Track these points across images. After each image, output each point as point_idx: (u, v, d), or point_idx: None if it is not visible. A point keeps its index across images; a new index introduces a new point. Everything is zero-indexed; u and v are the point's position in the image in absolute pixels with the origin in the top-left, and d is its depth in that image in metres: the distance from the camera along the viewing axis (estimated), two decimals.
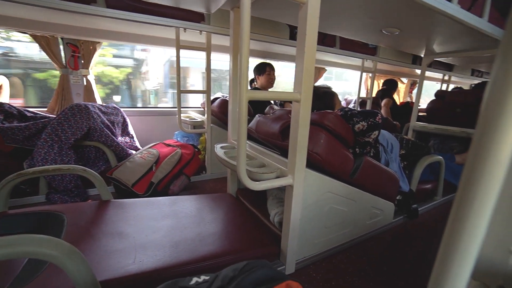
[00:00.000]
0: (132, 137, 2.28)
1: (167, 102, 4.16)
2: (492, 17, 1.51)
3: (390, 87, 3.49)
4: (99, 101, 2.39)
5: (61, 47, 2.15)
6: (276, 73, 2.44)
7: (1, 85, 2.01)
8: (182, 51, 1.92)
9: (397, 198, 1.66)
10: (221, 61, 3.95)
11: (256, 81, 2.53)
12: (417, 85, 4.43)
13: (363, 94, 3.37)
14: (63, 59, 2.17)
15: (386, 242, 1.47)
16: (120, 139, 2.12)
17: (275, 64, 2.55)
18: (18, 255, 0.60)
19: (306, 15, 0.83)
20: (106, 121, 1.95)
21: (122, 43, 2.35)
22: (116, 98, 3.47)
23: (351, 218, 1.34)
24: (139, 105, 3.82)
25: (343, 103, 3.72)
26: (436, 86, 5.15)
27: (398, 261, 1.31)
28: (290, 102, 2.28)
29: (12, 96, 2.16)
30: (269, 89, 2.41)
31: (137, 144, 2.30)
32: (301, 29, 0.86)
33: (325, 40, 2.22)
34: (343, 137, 1.16)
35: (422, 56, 2.51)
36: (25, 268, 0.89)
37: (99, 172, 1.92)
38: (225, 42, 2.10)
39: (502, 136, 0.27)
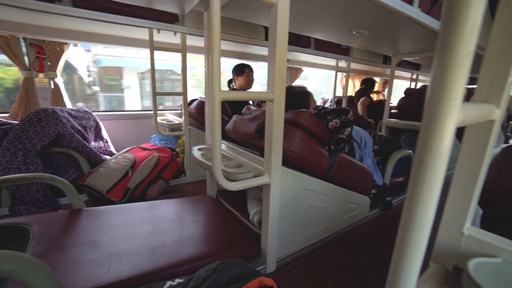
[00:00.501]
0: (106, 142, 2.18)
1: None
2: None
3: (368, 86, 3.65)
4: (69, 105, 2.27)
5: (24, 48, 2.01)
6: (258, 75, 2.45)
7: None
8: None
9: (372, 192, 1.73)
10: (167, 61, 3.80)
11: (234, 82, 2.53)
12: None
13: (339, 93, 3.48)
14: (26, 61, 2.03)
15: (363, 235, 1.52)
16: (93, 144, 2.03)
17: (254, 65, 2.56)
18: None
19: (276, 16, 0.85)
20: (77, 126, 1.85)
21: (92, 44, 2.25)
22: None
23: (329, 214, 1.38)
24: None
25: (320, 102, 3.82)
26: (407, 85, 5.43)
27: (374, 252, 1.36)
28: None
29: None
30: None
31: (112, 149, 2.21)
32: (272, 29, 0.87)
33: (300, 41, 2.26)
34: (318, 135, 1.20)
35: (391, 56, 2.64)
36: None
37: (70, 179, 1.82)
38: (202, 43, 2.08)
39: (442, 126, 0.29)
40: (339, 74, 3.08)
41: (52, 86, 2.15)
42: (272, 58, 0.89)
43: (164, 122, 2.41)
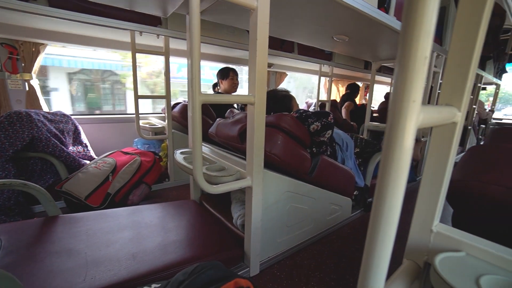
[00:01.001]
0: (86, 146, 2.11)
1: None
2: None
3: (353, 90, 3.80)
4: (45, 109, 2.18)
5: None
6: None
7: None
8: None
9: (354, 193, 1.77)
10: (106, 61, 3.60)
11: (219, 86, 2.52)
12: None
13: (322, 97, 3.57)
14: None
15: (345, 235, 1.55)
16: (71, 148, 1.96)
17: (244, 69, 2.58)
18: None
19: (257, 20, 0.86)
20: (54, 130, 1.78)
21: (71, 46, 2.17)
22: None
23: (312, 216, 1.40)
24: None
25: (304, 106, 3.89)
26: (388, 89, 5.63)
27: (357, 252, 1.39)
28: None
29: None
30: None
31: (92, 153, 2.13)
32: (253, 33, 0.88)
33: (284, 46, 2.30)
34: (300, 138, 1.22)
35: (372, 62, 2.74)
36: None
37: (46, 186, 1.74)
38: (186, 47, 2.07)
39: (404, 127, 0.31)
40: (323, 78, 3.16)
41: (27, 88, 2.06)
42: (253, 62, 0.90)
43: (147, 125, 2.37)
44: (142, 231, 1.21)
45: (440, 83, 2.35)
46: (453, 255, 0.47)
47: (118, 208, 1.44)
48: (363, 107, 3.89)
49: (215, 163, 1.22)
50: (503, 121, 5.09)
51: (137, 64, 1.88)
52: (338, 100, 4.06)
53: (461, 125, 0.49)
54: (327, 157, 1.39)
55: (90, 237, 1.12)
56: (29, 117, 1.61)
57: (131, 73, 1.87)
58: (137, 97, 1.94)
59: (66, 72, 3.63)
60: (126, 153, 1.97)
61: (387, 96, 2.95)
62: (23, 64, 1.99)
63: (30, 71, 2.01)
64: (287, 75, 3.58)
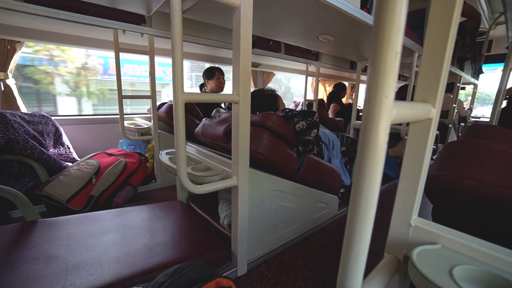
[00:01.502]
0: (68, 148, 2.04)
1: None
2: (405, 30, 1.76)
3: (338, 89, 3.90)
4: (23, 109, 2.09)
5: None
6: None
7: None
8: None
9: (341, 191, 1.80)
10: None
11: (206, 86, 2.51)
12: None
13: (310, 96, 3.61)
14: None
15: (332, 233, 1.58)
16: (52, 150, 1.88)
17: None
18: None
19: (240, 19, 0.86)
20: (32, 131, 1.71)
21: (49, 44, 2.10)
22: None
23: (299, 214, 1.41)
24: None
25: (292, 106, 3.93)
26: None
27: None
28: None
29: None
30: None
31: (75, 155, 2.06)
32: (236, 32, 0.88)
33: (270, 46, 2.31)
34: (285, 137, 1.22)
35: (357, 61, 2.79)
36: None
37: (25, 189, 1.67)
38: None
39: (378, 122, 0.31)
40: (310, 78, 3.19)
41: (3, 88, 1.96)
42: (237, 61, 0.89)
43: (132, 126, 2.31)
44: (126, 234, 1.18)
45: None
46: (429, 247, 0.48)
47: (102, 211, 1.40)
48: (350, 106, 3.98)
49: (201, 163, 1.21)
50: (481, 119, 5.34)
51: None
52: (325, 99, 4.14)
53: (436, 121, 0.51)
54: (314, 156, 1.41)
55: (71, 241, 1.08)
56: (4, 118, 1.54)
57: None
58: (121, 97, 1.90)
59: None
60: (111, 155, 1.92)
61: None
62: None
63: (5, 70, 1.92)
64: (274, 75, 3.59)
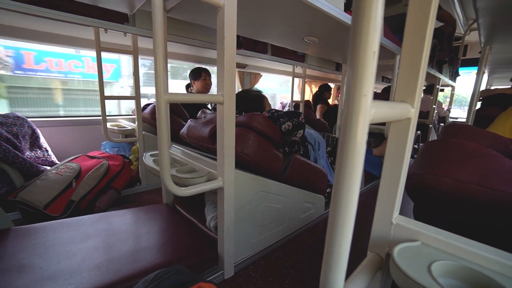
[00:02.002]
0: (46, 151, 1.95)
1: None
2: (386, 33, 1.81)
3: (322, 90, 3.98)
4: None
5: None
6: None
7: None
8: None
9: (327, 191, 1.82)
10: None
11: (192, 87, 2.47)
12: None
13: (297, 98, 3.64)
14: None
15: (319, 232, 1.59)
16: (28, 154, 1.79)
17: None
18: None
19: (224, 19, 0.85)
20: (5, 134, 1.62)
21: (23, 41, 1.99)
22: None
23: (286, 214, 1.41)
24: None
25: (279, 107, 3.96)
26: None
27: None
28: None
29: None
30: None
31: (54, 158, 1.98)
32: (220, 32, 0.87)
33: (257, 47, 2.31)
34: (271, 137, 1.22)
35: (342, 63, 2.85)
36: None
37: None
38: None
39: (357, 121, 0.31)
40: (296, 79, 3.22)
41: None
42: (221, 61, 0.89)
43: (116, 128, 2.25)
44: (108, 239, 1.14)
45: None
46: (410, 245, 0.49)
47: (83, 216, 1.34)
48: (336, 107, 4.05)
49: (186, 164, 1.19)
50: (458, 119, 5.63)
51: None
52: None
53: (415, 121, 0.52)
54: (300, 156, 1.42)
55: (47, 249, 1.03)
56: None
57: None
58: (103, 97, 1.84)
59: None
60: (92, 157, 1.85)
61: None
62: None
63: None
64: (261, 76, 3.60)
